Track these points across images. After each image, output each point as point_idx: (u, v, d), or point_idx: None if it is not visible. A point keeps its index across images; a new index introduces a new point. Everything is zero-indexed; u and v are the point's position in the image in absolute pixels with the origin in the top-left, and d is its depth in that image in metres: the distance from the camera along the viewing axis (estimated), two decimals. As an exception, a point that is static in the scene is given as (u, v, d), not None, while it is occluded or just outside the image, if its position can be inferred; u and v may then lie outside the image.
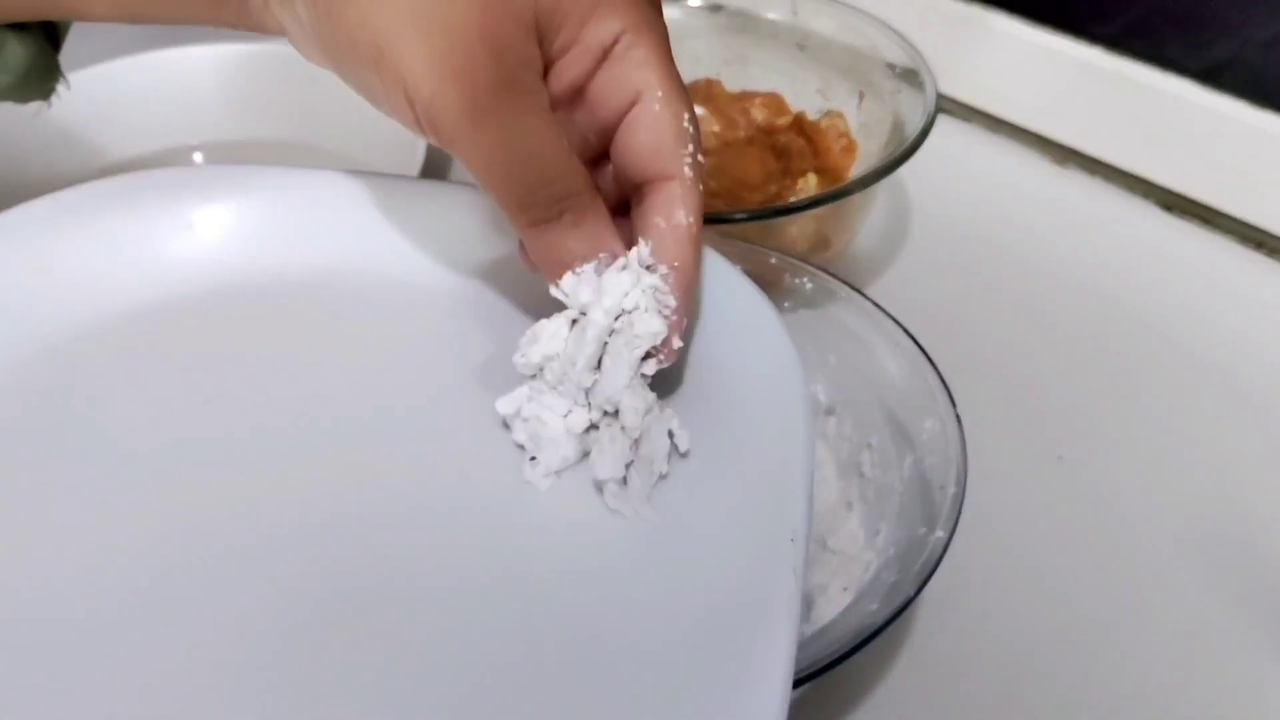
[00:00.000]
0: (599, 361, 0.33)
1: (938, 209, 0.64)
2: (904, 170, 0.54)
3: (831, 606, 0.39)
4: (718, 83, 0.63)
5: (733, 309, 0.35)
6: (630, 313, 0.33)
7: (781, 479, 0.31)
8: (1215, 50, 0.59)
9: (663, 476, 0.32)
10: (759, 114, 0.61)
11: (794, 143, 0.60)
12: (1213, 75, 0.60)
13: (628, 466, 0.32)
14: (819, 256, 0.54)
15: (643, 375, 0.33)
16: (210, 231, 0.38)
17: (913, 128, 0.55)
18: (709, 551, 0.30)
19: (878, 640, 0.34)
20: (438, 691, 0.27)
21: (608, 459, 0.32)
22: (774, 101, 0.62)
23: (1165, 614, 0.44)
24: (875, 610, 0.35)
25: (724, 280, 0.35)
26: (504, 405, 0.34)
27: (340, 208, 0.38)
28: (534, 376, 0.34)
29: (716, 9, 0.64)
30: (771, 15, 0.63)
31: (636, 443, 0.32)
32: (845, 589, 0.40)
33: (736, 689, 0.27)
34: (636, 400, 0.33)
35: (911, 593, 0.35)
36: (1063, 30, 0.64)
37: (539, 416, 0.33)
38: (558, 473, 0.33)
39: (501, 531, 0.31)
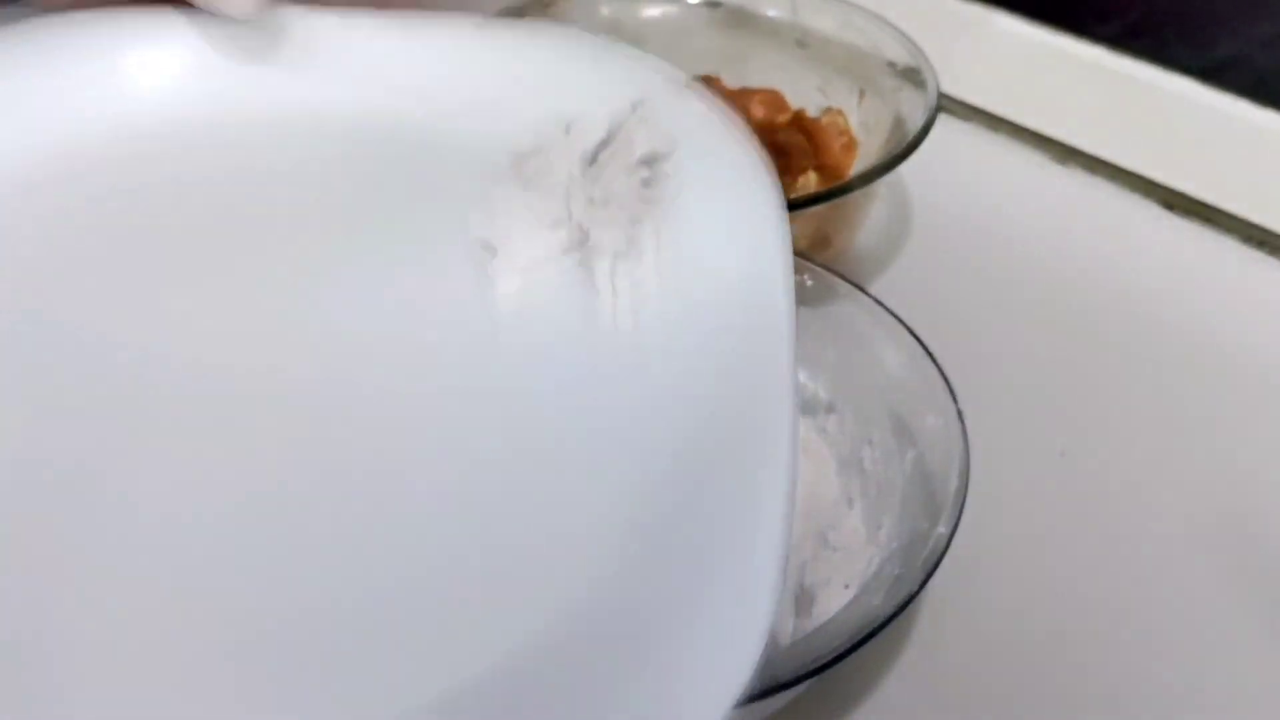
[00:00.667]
0: (593, 160, 0.32)
1: (939, 207, 0.63)
2: (905, 168, 0.54)
3: (833, 602, 0.39)
4: (717, 80, 0.62)
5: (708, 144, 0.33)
6: (626, 130, 0.32)
7: (762, 313, 0.30)
8: (1217, 49, 0.59)
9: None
10: (758, 111, 0.61)
11: (794, 140, 0.59)
12: (1215, 74, 0.60)
13: (627, 243, 0.31)
14: (820, 255, 0.54)
15: (643, 182, 0.33)
16: (138, 77, 0.33)
17: (914, 126, 0.55)
18: (697, 376, 0.29)
19: (880, 635, 0.34)
20: (423, 516, 0.27)
21: (608, 231, 0.31)
22: (773, 99, 0.62)
23: (1168, 609, 0.44)
24: (878, 605, 0.35)
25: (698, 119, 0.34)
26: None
27: (274, 47, 0.34)
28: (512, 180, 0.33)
29: (715, 6, 0.64)
30: (771, 12, 0.63)
31: (633, 223, 0.32)
32: (847, 585, 0.40)
33: (737, 513, 0.26)
34: (634, 182, 0.32)
35: (915, 588, 0.35)
36: (1064, 29, 0.64)
37: (508, 210, 0.32)
38: (522, 272, 0.32)
39: (481, 346, 0.30)
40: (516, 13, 0.61)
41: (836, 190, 0.52)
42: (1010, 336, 0.56)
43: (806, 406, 0.46)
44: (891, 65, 0.58)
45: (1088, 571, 0.45)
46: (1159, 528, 0.47)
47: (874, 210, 0.59)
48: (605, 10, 0.64)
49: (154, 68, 0.33)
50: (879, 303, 0.45)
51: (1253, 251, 0.61)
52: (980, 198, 0.65)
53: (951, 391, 0.41)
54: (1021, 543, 0.46)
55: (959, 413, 0.40)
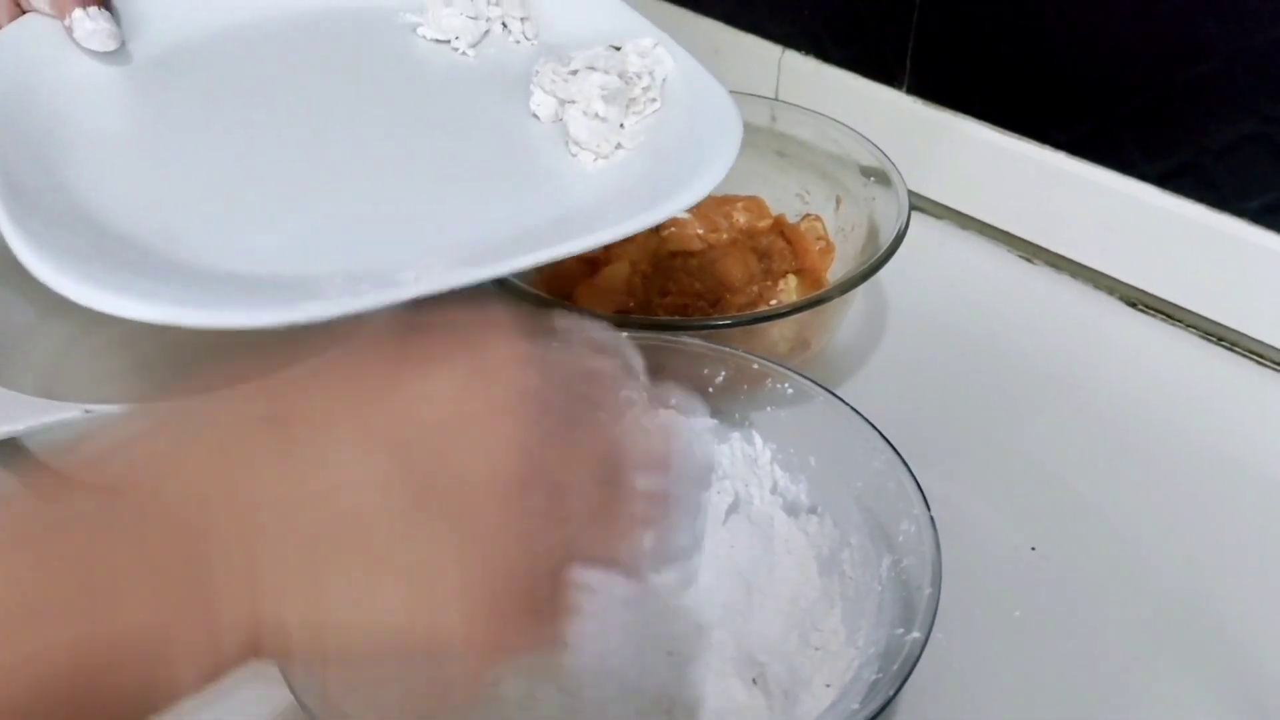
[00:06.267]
0: None
1: (911, 301, 0.66)
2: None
3: (815, 702, 0.41)
4: (701, 187, 0.65)
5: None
6: None
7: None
8: (1173, 156, 0.62)
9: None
10: (741, 217, 0.64)
11: (775, 244, 0.62)
12: (1171, 179, 0.63)
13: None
14: (799, 356, 0.57)
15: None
16: None
17: (887, 230, 0.57)
18: None
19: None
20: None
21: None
22: (755, 205, 0.65)
23: (1137, 701, 0.46)
24: (856, 710, 0.37)
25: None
26: None
27: None
28: None
29: (699, 116, 0.67)
30: (752, 122, 0.66)
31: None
32: (828, 685, 0.42)
33: None
34: None
35: (891, 693, 0.37)
36: (1028, 136, 0.68)
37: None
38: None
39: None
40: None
41: (817, 299, 0.55)
42: (980, 431, 0.58)
43: (790, 508, 0.49)
44: (865, 174, 0.61)
45: (1058, 665, 0.47)
46: (1127, 620, 0.49)
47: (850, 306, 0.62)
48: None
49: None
50: (855, 410, 0.47)
51: (1212, 347, 0.64)
52: (951, 291, 0.68)
53: (925, 499, 0.43)
54: (994, 636, 0.48)
55: (931, 520, 0.42)
